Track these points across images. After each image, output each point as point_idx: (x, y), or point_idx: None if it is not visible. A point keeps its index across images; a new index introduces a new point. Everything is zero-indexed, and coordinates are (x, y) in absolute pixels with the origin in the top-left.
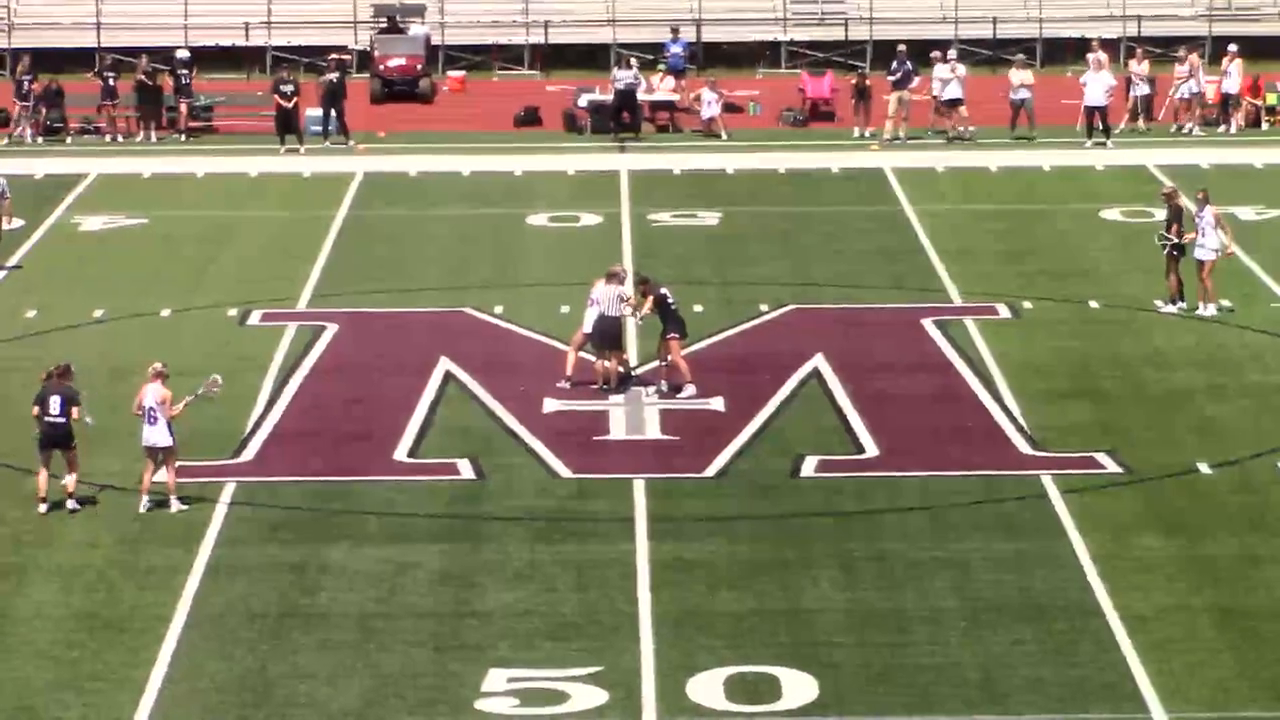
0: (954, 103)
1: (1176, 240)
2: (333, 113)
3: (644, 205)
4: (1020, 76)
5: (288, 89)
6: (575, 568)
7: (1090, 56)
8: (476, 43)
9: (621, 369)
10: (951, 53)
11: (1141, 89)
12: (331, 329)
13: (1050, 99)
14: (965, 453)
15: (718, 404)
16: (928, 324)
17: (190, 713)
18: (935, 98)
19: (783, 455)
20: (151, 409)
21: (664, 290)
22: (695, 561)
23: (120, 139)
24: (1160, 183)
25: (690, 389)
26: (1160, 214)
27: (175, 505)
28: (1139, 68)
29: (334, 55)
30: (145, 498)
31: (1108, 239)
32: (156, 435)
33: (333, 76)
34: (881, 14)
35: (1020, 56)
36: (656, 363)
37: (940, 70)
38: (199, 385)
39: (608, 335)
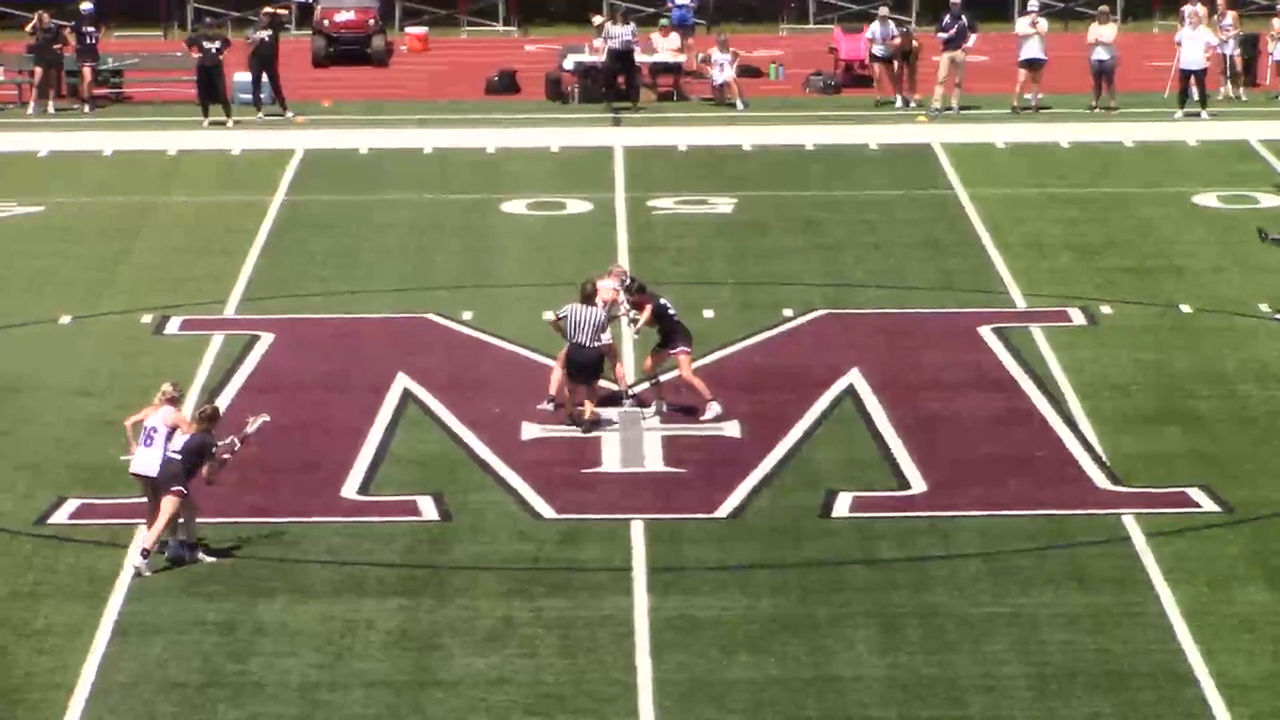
0: (1033, 64)
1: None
2: (264, 78)
3: (643, 189)
4: (1099, 33)
5: (211, 46)
6: (560, 627)
7: (1186, 10)
8: None
9: (620, 386)
10: (1033, 2)
11: (1228, 48)
12: (266, 339)
13: (1133, 60)
14: (1031, 488)
15: (732, 429)
16: (985, 332)
17: None
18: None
19: (811, 491)
20: (152, 429)
21: (664, 300)
22: (705, 620)
23: (10, 108)
24: (1266, 163)
25: (715, 408)
26: (1270, 200)
27: (136, 558)
28: (1226, 23)
29: (267, 8)
30: (174, 540)
31: (1202, 229)
32: (145, 461)
33: (264, 34)
34: None
35: (1103, 9)
36: (647, 383)
37: (1020, 24)
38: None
39: (584, 368)
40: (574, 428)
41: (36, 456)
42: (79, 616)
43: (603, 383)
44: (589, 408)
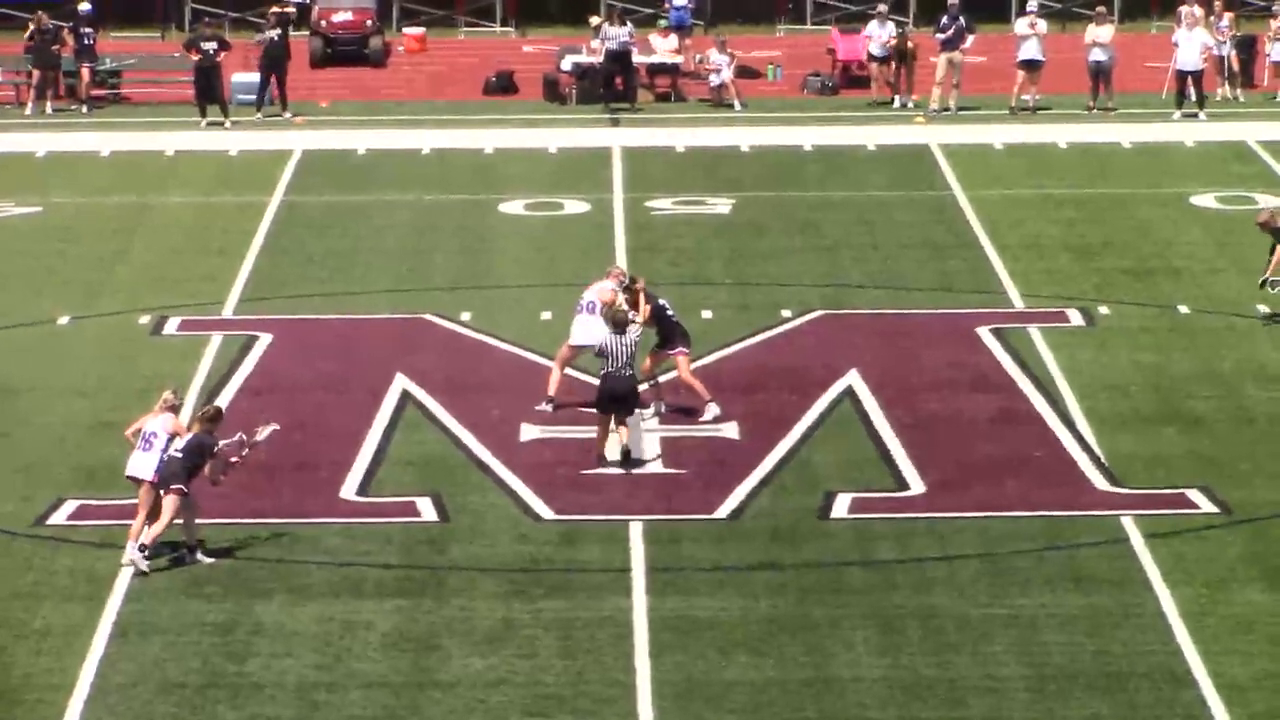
0: (1031, 65)
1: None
2: (273, 80)
3: (641, 190)
4: (1096, 34)
5: (209, 47)
6: (559, 628)
7: (1183, 10)
8: None
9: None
10: (1032, 3)
11: (1224, 49)
12: (264, 340)
13: (1131, 61)
14: (1029, 489)
15: (731, 430)
16: (984, 333)
17: None
18: None
19: (809, 492)
20: (151, 433)
21: (662, 301)
22: (703, 621)
23: (8, 109)
24: (1264, 163)
25: (714, 409)
26: (1268, 201)
27: (132, 555)
28: (1222, 25)
29: (275, 9)
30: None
31: (1200, 230)
32: (141, 464)
33: (274, 34)
34: None
35: (1100, 10)
36: (645, 384)
37: (1019, 25)
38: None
39: (618, 398)
40: (574, 428)
41: (34, 457)
42: (78, 617)
43: None
44: (617, 441)
